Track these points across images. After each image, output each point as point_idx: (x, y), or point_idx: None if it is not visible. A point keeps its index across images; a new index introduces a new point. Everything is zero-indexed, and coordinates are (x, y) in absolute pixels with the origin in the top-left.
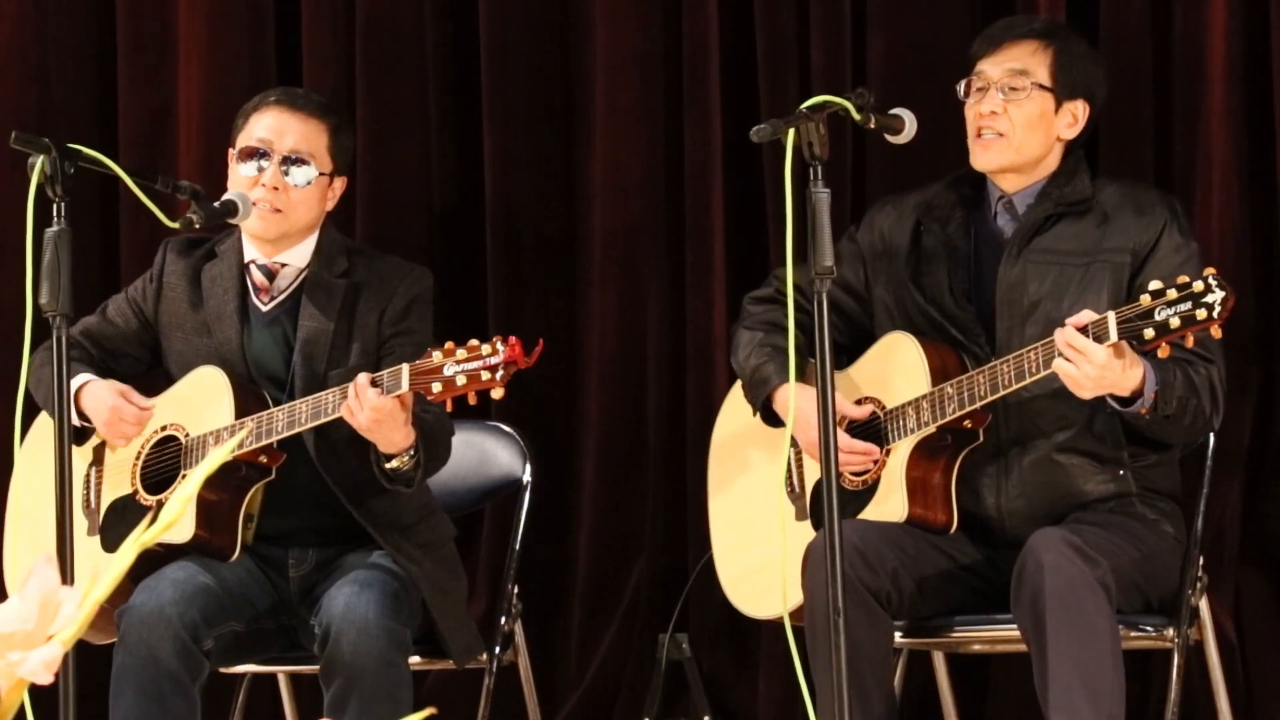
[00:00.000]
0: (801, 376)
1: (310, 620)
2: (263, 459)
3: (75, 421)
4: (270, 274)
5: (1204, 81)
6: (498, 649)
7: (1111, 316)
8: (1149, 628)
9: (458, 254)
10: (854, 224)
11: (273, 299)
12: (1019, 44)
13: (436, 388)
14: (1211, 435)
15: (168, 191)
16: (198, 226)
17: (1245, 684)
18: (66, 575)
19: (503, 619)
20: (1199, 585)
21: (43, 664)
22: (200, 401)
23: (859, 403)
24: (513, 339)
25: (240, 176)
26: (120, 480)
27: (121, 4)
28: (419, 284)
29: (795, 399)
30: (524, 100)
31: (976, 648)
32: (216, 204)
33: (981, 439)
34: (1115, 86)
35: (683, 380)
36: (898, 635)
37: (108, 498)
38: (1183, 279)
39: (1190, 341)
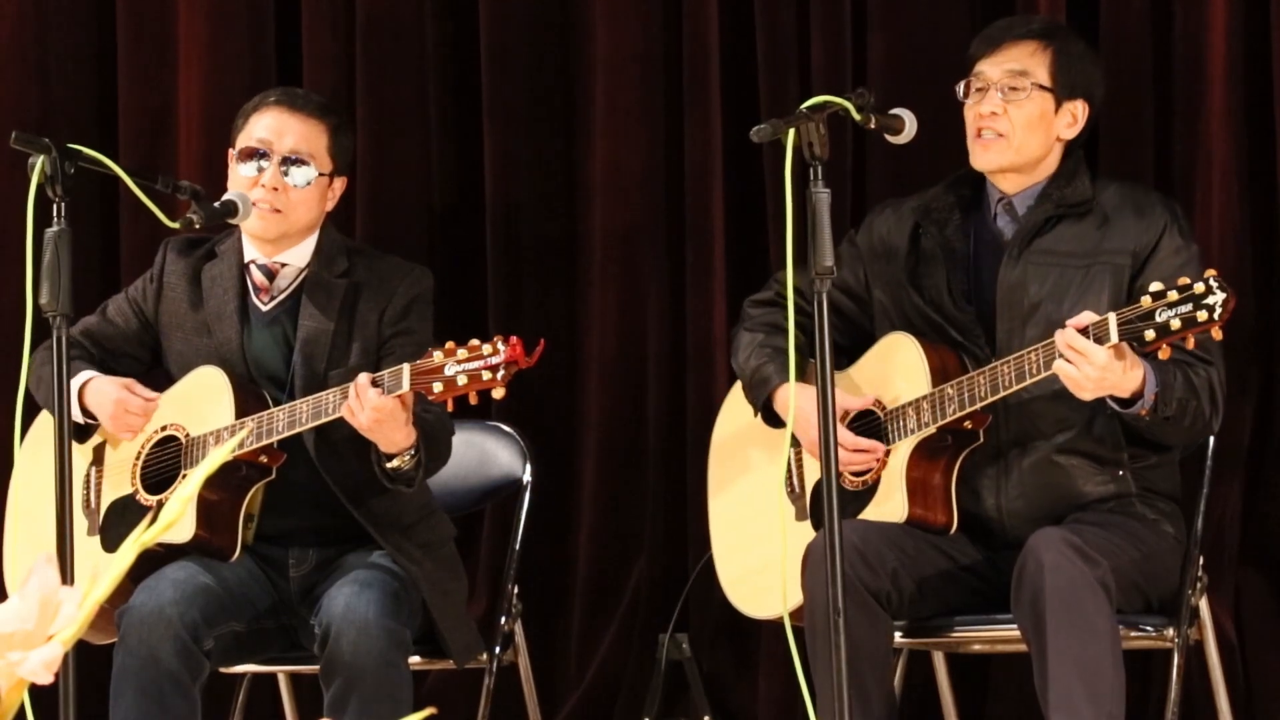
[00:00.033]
0: (802, 376)
1: (310, 620)
2: (263, 459)
3: (79, 419)
4: (270, 274)
5: (1204, 81)
6: (498, 649)
7: (1112, 318)
8: (1149, 628)
9: (458, 254)
10: (853, 227)
11: (273, 299)
12: (1018, 44)
13: (438, 388)
14: (1211, 436)
15: (168, 191)
16: (198, 226)
17: (1245, 684)
18: (66, 575)
19: (503, 619)
20: (1199, 585)
21: (43, 664)
22: (201, 401)
23: None
24: (514, 339)
25: (240, 177)
26: (120, 480)
27: (121, 4)
28: (419, 284)
29: (795, 398)
30: (524, 100)
31: (976, 648)
32: (216, 204)
33: (982, 440)
34: (1115, 86)
35: (683, 380)
36: (898, 635)
37: (108, 498)
38: (1183, 281)
39: (1191, 343)
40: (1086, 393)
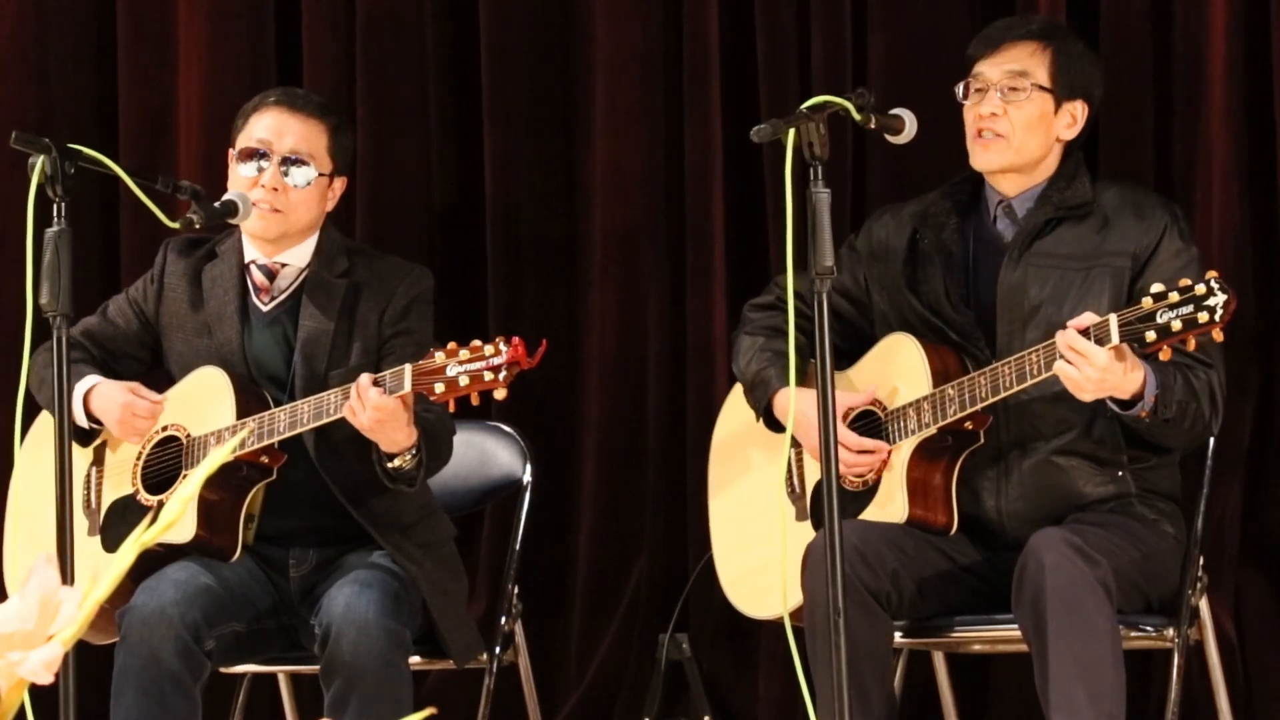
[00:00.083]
0: (802, 380)
1: (311, 620)
2: (264, 459)
3: (84, 424)
4: (270, 274)
5: (1204, 81)
6: (498, 649)
7: (1113, 319)
8: (1149, 628)
9: (458, 254)
10: (853, 231)
11: (273, 299)
12: (1018, 45)
13: (439, 388)
14: (1211, 438)
15: (168, 191)
16: (198, 226)
17: (1245, 684)
18: (67, 575)
19: (503, 619)
20: (1199, 585)
21: (43, 664)
22: (202, 402)
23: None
24: (516, 339)
25: (240, 177)
26: (121, 480)
27: (121, 4)
28: (419, 284)
29: (796, 402)
30: (524, 100)
31: (977, 648)
32: (216, 204)
33: (982, 440)
34: (1115, 87)
35: (683, 381)
36: (898, 635)
37: (108, 498)
38: (1184, 282)
39: (1192, 344)
40: (1087, 394)
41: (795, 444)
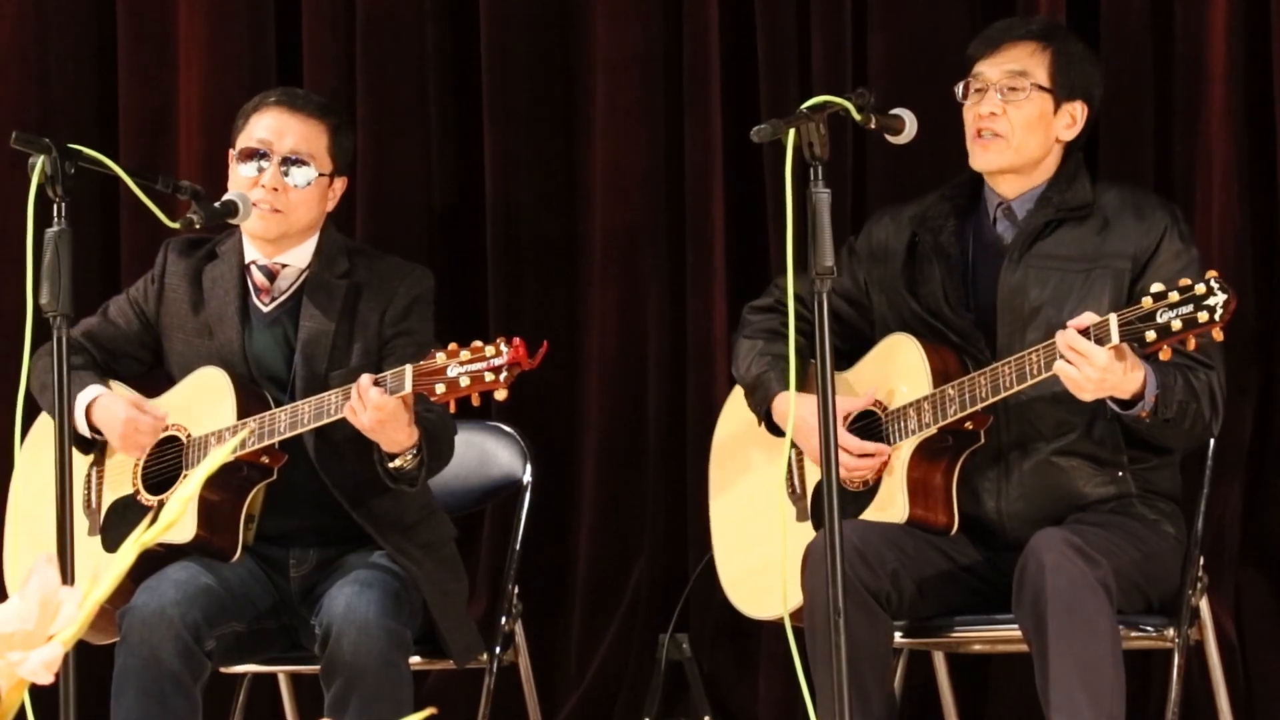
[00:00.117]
0: (801, 383)
1: (311, 620)
2: (264, 459)
3: (86, 433)
4: (271, 274)
5: (1204, 81)
6: (498, 649)
7: (1113, 319)
8: (1150, 628)
9: (458, 254)
10: (853, 233)
11: (273, 299)
12: (1017, 45)
13: (440, 389)
14: (1211, 439)
15: (168, 191)
16: (198, 227)
17: (1245, 684)
18: (67, 575)
19: (503, 619)
20: (1199, 585)
21: (43, 664)
22: (202, 402)
23: None
24: (517, 340)
25: (240, 177)
26: (121, 480)
27: (121, 4)
28: (420, 284)
29: (795, 407)
30: (524, 100)
31: (977, 648)
32: (217, 204)
33: (983, 440)
34: (1115, 87)
35: (683, 381)
36: (898, 635)
37: (109, 498)
38: (1184, 281)
39: (1192, 344)
40: (1087, 394)
41: (795, 445)
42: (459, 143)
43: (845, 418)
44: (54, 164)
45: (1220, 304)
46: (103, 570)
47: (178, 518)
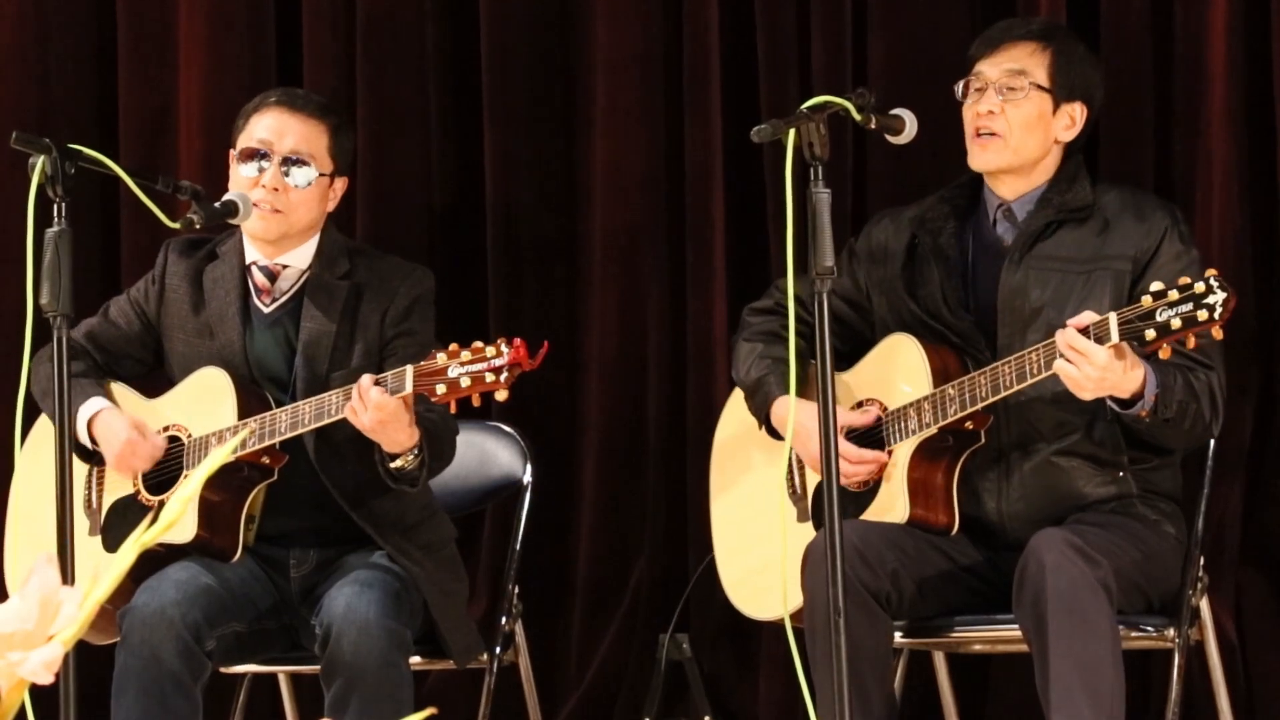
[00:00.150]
0: (801, 387)
1: (311, 620)
2: (265, 460)
3: (87, 444)
4: (272, 275)
5: (1204, 82)
6: (498, 649)
7: (1113, 318)
8: (1150, 628)
9: (458, 254)
10: (853, 235)
11: (274, 300)
12: (1017, 45)
13: (441, 389)
14: (1211, 439)
15: (168, 192)
16: (198, 227)
17: (1246, 684)
18: (67, 575)
19: (503, 619)
20: (1200, 585)
21: (43, 664)
22: (203, 402)
23: (860, 404)
24: (517, 340)
25: (241, 177)
26: (122, 481)
27: (121, 4)
28: (421, 284)
29: (795, 414)
30: (524, 100)
31: (977, 648)
32: (217, 204)
33: (983, 440)
34: (1115, 87)
35: (683, 381)
36: (898, 635)
37: (109, 498)
38: (1184, 280)
39: (1191, 343)
40: (1087, 393)
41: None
42: (459, 143)
43: (843, 429)
44: (54, 164)
45: (1220, 302)
46: (103, 570)
47: (178, 518)
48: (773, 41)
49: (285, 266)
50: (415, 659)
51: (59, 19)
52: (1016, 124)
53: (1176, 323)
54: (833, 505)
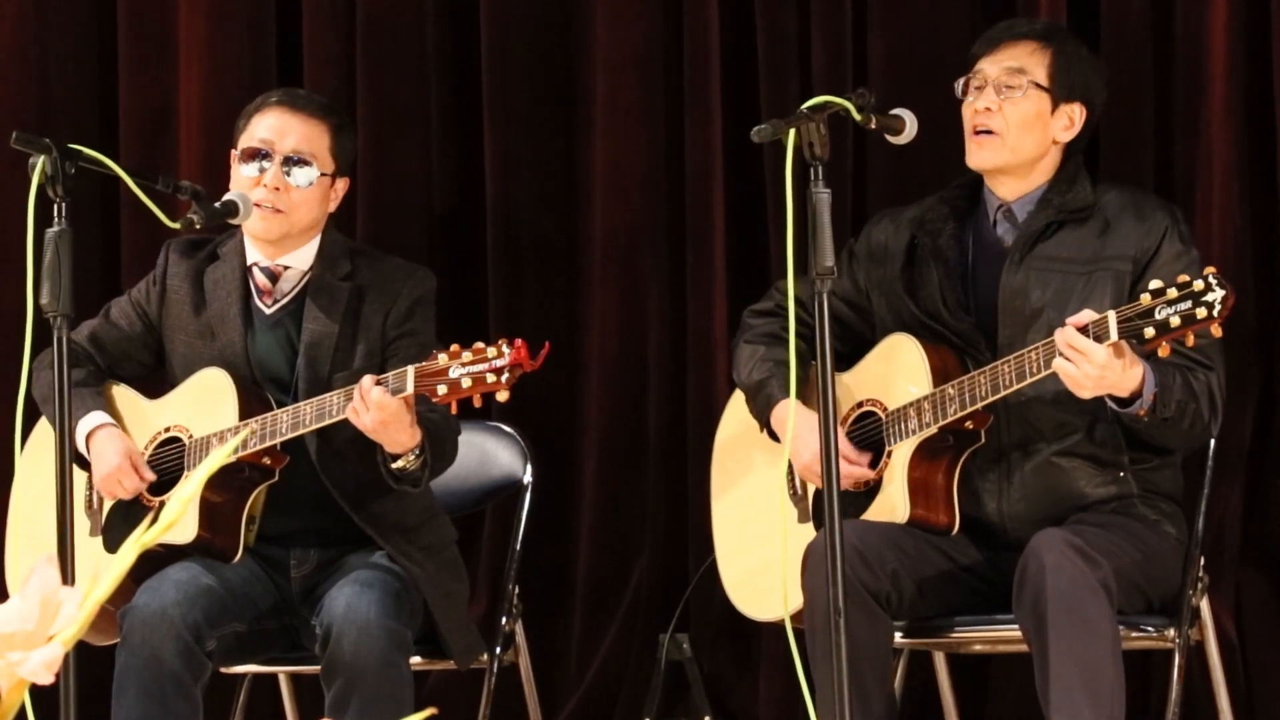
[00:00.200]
0: (802, 388)
1: (312, 620)
2: (266, 461)
3: (85, 454)
4: (273, 276)
5: (1204, 81)
6: (498, 649)
7: (1112, 316)
8: (1150, 628)
9: (458, 254)
10: (853, 236)
11: (276, 301)
12: (1018, 44)
13: (442, 390)
14: (1211, 439)
15: (168, 192)
16: (198, 227)
17: (1246, 684)
18: (68, 575)
19: (503, 619)
20: (1200, 585)
21: (43, 664)
22: (204, 403)
23: (860, 405)
24: (519, 341)
25: (242, 177)
26: None
27: (121, 4)
28: (422, 285)
29: (795, 423)
30: (524, 100)
31: (977, 648)
32: (217, 204)
33: (983, 440)
34: (1115, 87)
35: (683, 381)
36: (898, 635)
37: (110, 499)
38: (1183, 278)
39: (1191, 341)
40: (1086, 391)
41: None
42: (459, 143)
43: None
44: (54, 164)
45: (1219, 300)
46: (103, 570)
47: (178, 518)
48: (773, 41)
49: (287, 267)
50: (416, 659)
51: (59, 19)
52: (1014, 122)
53: (1175, 320)
54: (833, 505)
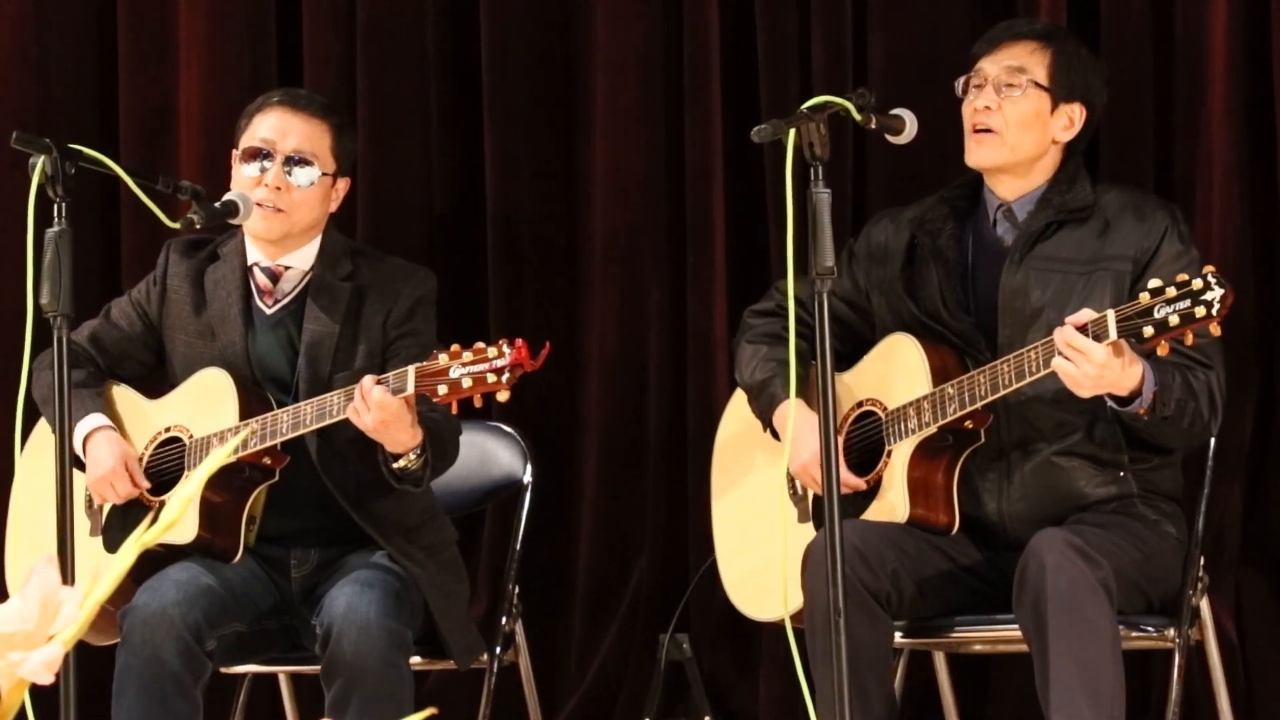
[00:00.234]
0: (803, 387)
1: (312, 620)
2: (266, 461)
3: (82, 457)
4: (274, 276)
5: (1204, 81)
6: (498, 649)
7: (1111, 315)
8: (1150, 628)
9: (458, 255)
10: (853, 236)
11: (276, 302)
12: (1018, 43)
13: (442, 390)
14: (1211, 439)
15: (168, 192)
16: (198, 227)
17: (1246, 684)
18: (68, 576)
19: (503, 619)
20: (1200, 585)
21: (43, 664)
22: (205, 403)
23: (860, 405)
24: (519, 341)
25: (243, 177)
26: None
27: (121, 4)
28: (423, 285)
29: (794, 420)
30: (524, 100)
31: (977, 648)
32: (217, 204)
33: (983, 440)
34: (1116, 87)
35: (683, 380)
36: (898, 635)
37: None
38: (1182, 277)
39: (1189, 339)
40: (1085, 390)
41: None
42: (459, 143)
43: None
44: (54, 164)
45: (1217, 299)
46: (103, 570)
47: (178, 518)
48: (773, 41)
49: (287, 268)
50: (416, 659)
51: (59, 19)
52: (1013, 121)
53: (1174, 319)
54: (833, 505)
